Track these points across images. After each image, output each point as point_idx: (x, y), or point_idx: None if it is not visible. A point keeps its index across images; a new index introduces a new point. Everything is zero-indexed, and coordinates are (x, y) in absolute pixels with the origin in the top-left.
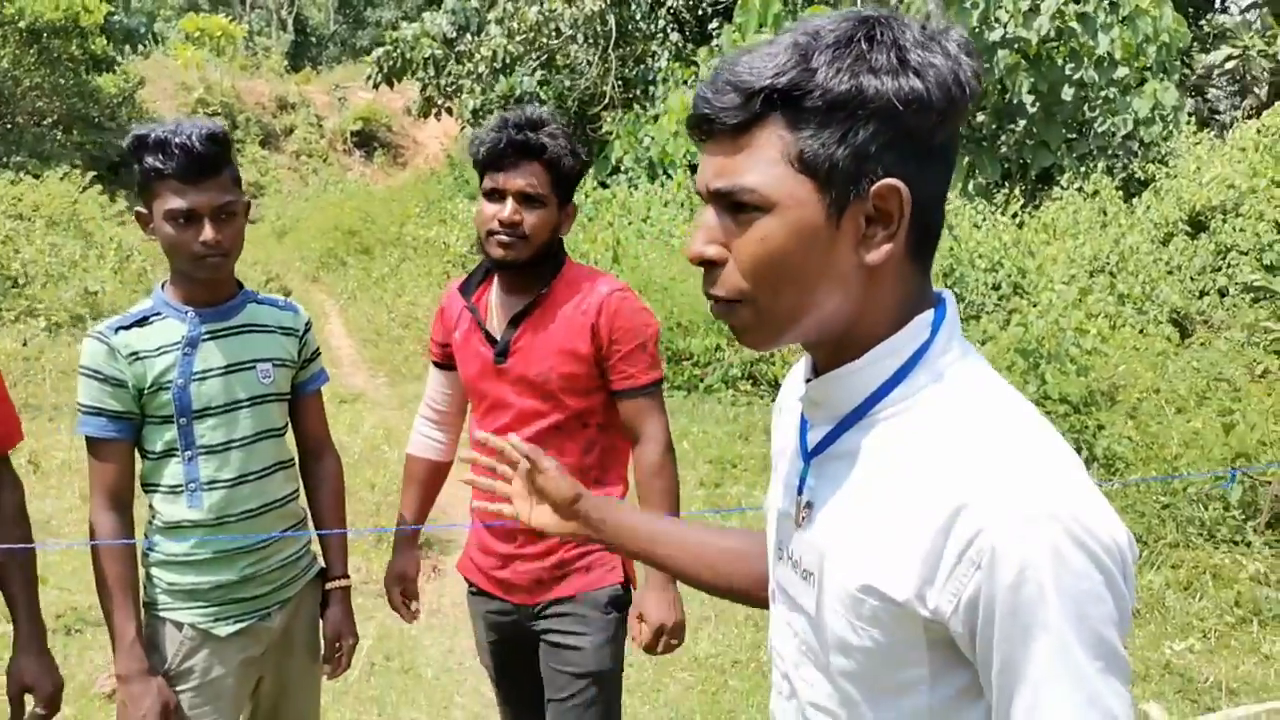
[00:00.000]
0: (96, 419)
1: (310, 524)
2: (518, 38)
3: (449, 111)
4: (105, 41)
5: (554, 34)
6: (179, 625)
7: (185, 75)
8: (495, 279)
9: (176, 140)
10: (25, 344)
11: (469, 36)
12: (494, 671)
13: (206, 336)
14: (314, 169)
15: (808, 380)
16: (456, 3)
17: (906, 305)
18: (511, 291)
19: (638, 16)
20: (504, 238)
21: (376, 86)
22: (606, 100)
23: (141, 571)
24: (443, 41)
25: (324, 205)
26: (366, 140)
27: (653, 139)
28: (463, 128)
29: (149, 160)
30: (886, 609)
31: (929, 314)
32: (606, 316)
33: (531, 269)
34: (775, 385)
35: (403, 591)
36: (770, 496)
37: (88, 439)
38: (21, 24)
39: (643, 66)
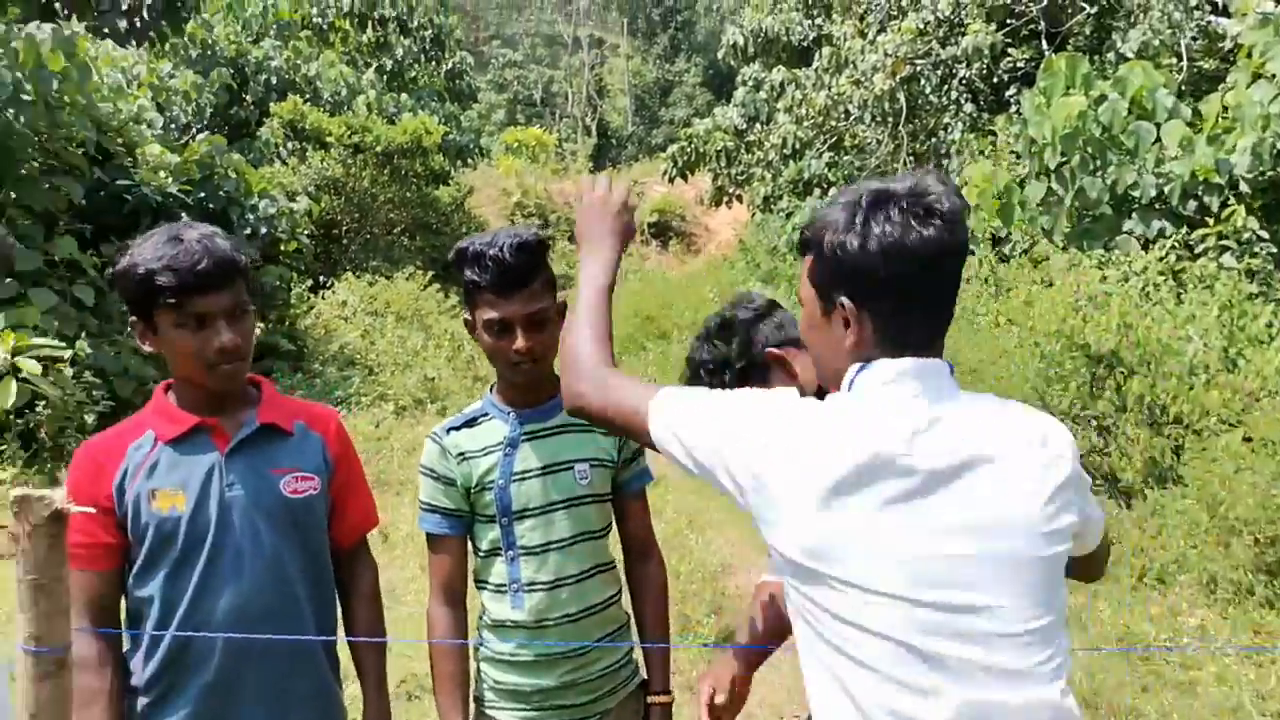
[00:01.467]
0: (432, 515)
1: (633, 631)
2: (806, 123)
3: (739, 199)
4: (441, 158)
5: (843, 116)
6: None
7: (506, 182)
8: None
9: (490, 253)
10: (377, 426)
11: (759, 126)
12: None
13: (525, 437)
14: None
15: None
16: (746, 95)
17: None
18: None
19: (928, 90)
20: None
21: (671, 180)
22: None
23: (474, 665)
24: (733, 133)
25: (624, 293)
26: (662, 230)
27: None
28: (753, 214)
29: (468, 273)
30: None
31: (856, 368)
32: None
33: None
34: None
35: (711, 692)
36: None
37: (427, 534)
38: (378, 149)
39: (935, 140)
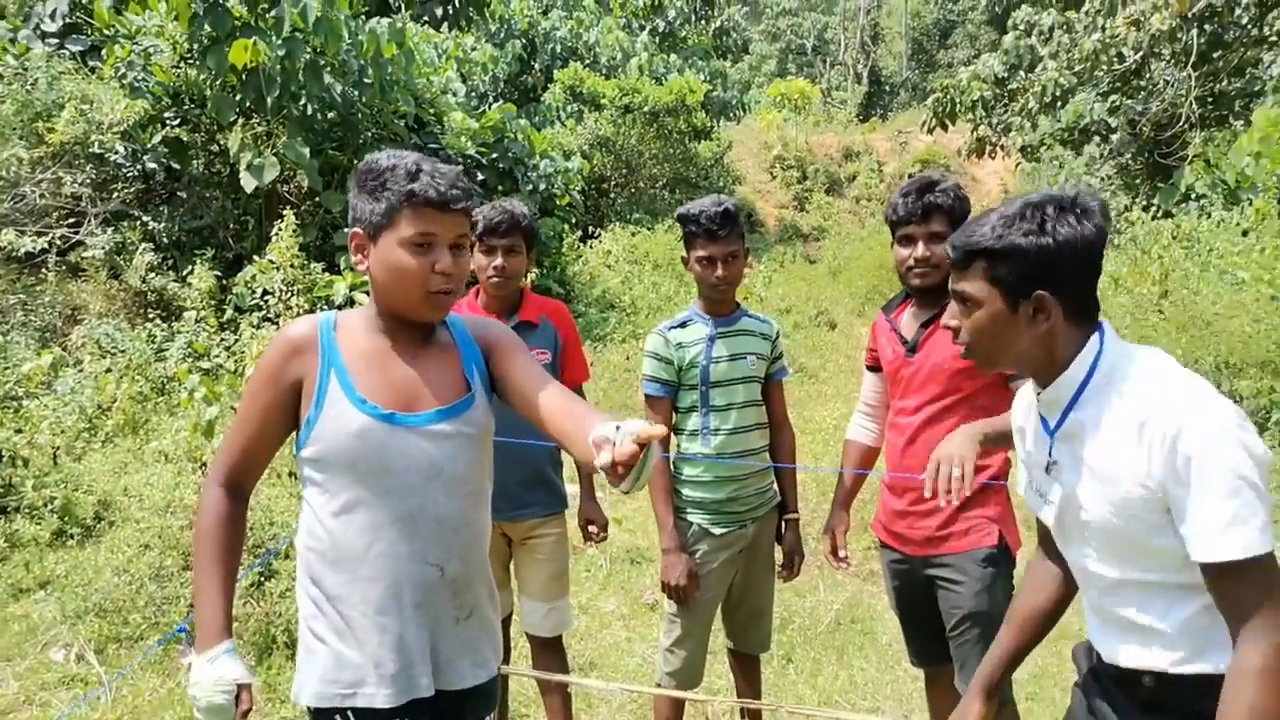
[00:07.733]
0: (654, 384)
1: (772, 471)
2: (1076, 68)
3: (1002, 149)
4: (704, 115)
5: (1115, 59)
6: (690, 524)
7: (767, 136)
8: (912, 300)
9: (704, 213)
10: (628, 359)
11: (1021, 74)
12: (896, 610)
13: (719, 335)
14: (872, 211)
15: (1038, 394)
16: (1015, 41)
17: (1079, 340)
18: (923, 306)
19: (1245, 21)
20: (920, 270)
21: (930, 131)
22: (1183, 121)
23: None
24: (993, 82)
25: (874, 245)
26: None
27: (1231, 162)
28: (1018, 165)
29: (688, 226)
30: (1132, 497)
31: (1095, 338)
32: None
33: (941, 290)
34: None
35: (832, 543)
36: (1023, 479)
37: (647, 396)
38: (646, 109)
39: (1244, 79)
